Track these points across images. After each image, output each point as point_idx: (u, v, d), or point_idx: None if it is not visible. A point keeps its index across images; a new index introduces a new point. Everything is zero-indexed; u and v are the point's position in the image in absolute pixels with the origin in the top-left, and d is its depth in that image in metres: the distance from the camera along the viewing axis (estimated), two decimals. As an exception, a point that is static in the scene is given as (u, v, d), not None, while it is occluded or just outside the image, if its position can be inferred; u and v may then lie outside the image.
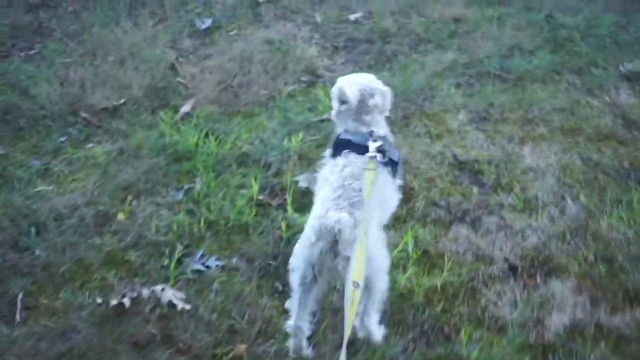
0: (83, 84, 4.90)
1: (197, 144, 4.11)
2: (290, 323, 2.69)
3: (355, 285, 2.24)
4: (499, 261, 3.19)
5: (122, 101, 4.67)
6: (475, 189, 3.67)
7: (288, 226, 3.41)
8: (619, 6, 5.86)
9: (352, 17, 5.93)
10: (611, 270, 3.10)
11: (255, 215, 3.53)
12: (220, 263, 3.26)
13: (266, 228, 3.45)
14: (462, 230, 3.39)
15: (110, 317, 2.96)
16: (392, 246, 3.13)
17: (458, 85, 4.71)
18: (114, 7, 6.13)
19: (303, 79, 4.97)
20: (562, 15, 5.69)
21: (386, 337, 2.78)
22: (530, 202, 3.55)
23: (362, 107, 2.85)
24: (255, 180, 3.73)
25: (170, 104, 4.70)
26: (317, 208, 2.60)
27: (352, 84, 2.89)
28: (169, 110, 4.58)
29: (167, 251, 3.32)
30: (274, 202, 3.63)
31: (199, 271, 3.22)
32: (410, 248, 3.21)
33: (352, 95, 2.83)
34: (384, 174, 2.73)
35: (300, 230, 3.25)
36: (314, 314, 2.71)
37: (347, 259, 2.36)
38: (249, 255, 3.30)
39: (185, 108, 4.58)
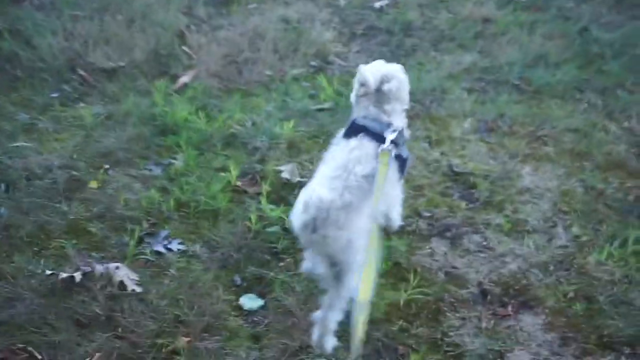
0: (87, 40, 4.85)
1: (186, 119, 4.03)
2: (305, 266, 2.92)
3: (361, 306, 2.22)
4: (471, 284, 3.06)
5: (121, 63, 4.61)
6: (464, 204, 3.53)
7: (260, 217, 3.32)
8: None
9: (377, 4, 5.78)
10: (589, 311, 2.95)
11: (229, 201, 3.45)
12: (182, 247, 3.19)
13: (237, 217, 3.37)
14: (441, 246, 3.27)
15: (59, 290, 2.91)
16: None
17: (471, 91, 4.54)
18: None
19: (312, 63, 4.86)
20: (598, 29, 5.44)
21: (334, 350, 2.68)
22: (519, 225, 3.40)
23: (381, 94, 2.83)
24: (236, 164, 3.64)
25: (170, 72, 4.64)
26: (313, 181, 2.61)
27: (374, 68, 2.89)
28: (167, 79, 4.51)
29: (131, 227, 3.25)
30: (251, 190, 3.55)
31: (159, 253, 3.16)
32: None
33: (372, 79, 2.80)
34: (392, 169, 2.71)
35: (271, 224, 3.21)
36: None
37: (325, 238, 2.42)
38: (213, 244, 3.22)
39: (185, 78, 4.51)
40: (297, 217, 2.48)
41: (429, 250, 3.23)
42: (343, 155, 2.63)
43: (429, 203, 3.53)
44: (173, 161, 3.70)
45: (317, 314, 2.66)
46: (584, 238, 3.34)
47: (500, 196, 3.59)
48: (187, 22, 5.26)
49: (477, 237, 3.33)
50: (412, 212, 3.45)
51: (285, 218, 3.29)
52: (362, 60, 4.74)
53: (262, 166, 3.71)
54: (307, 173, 3.68)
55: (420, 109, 4.32)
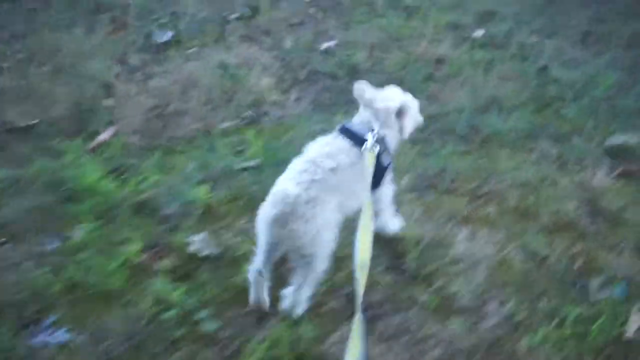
0: (5, 95, 4.60)
1: (96, 183, 3.76)
2: (252, 267, 2.92)
3: (362, 265, 2.43)
4: (385, 379, 2.75)
5: (35, 121, 4.35)
6: (389, 277, 3.23)
7: (157, 301, 3.03)
8: (628, 63, 5.33)
9: (324, 45, 5.52)
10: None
11: (127, 280, 3.16)
12: (66, 338, 2.90)
13: (133, 299, 3.08)
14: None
15: None
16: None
17: (414, 143, 4.25)
18: (75, 7, 5.84)
19: (246, 114, 4.59)
20: (559, 68, 5.19)
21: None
22: (448, 301, 3.11)
23: (380, 112, 3.06)
24: (142, 236, 3.36)
25: (90, 129, 4.37)
26: (283, 175, 2.82)
27: (385, 92, 3.18)
28: (85, 136, 4.25)
29: (12, 316, 2.97)
30: (155, 266, 3.26)
31: (38, 346, 2.86)
32: (282, 348, 2.80)
33: (368, 95, 3.11)
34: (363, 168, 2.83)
35: (171, 306, 2.93)
36: (274, 266, 2.95)
37: (294, 231, 2.64)
38: (101, 332, 2.92)
39: (104, 136, 4.26)
40: (266, 212, 2.71)
41: (342, 336, 2.92)
42: (315, 150, 2.84)
43: (350, 276, 3.23)
44: (73, 233, 3.41)
45: (288, 290, 2.87)
46: (519, 316, 3.05)
47: (430, 267, 3.30)
48: (119, 70, 5.00)
49: (398, 318, 3.04)
50: (330, 289, 3.15)
51: (188, 297, 3.03)
52: (300, 109, 4.52)
53: (171, 237, 3.43)
54: (219, 243, 3.40)
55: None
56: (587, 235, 3.56)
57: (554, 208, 3.74)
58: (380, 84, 4.80)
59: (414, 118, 3.21)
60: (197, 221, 3.56)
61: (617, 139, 4.38)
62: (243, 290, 3.10)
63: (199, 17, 5.96)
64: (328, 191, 2.70)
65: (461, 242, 3.47)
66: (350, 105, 4.51)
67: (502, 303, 3.12)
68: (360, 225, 2.52)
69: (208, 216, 3.61)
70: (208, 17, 5.97)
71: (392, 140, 3.08)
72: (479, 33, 5.82)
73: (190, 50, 5.36)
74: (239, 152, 4.12)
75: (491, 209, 3.72)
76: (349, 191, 2.81)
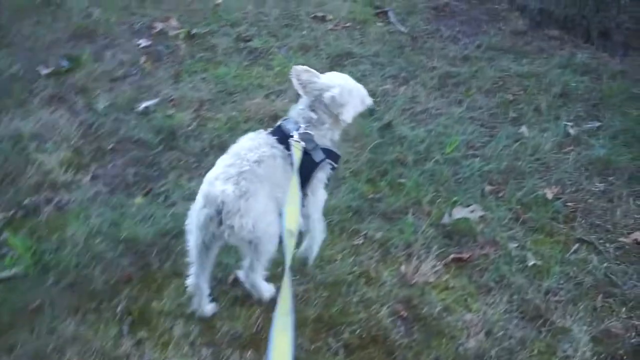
0: None
1: None
2: (190, 281, 3.09)
3: (290, 233, 2.49)
4: None
5: None
6: None
7: None
8: (486, 114, 4.94)
9: (143, 105, 4.97)
10: None
11: None
12: None
13: None
14: None
15: None
16: None
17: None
18: None
19: (26, 202, 4.00)
20: (406, 124, 4.75)
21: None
22: None
23: (314, 101, 3.14)
24: None
25: None
26: (210, 172, 2.88)
27: (327, 75, 3.21)
28: None
29: None
30: None
31: None
32: None
33: (303, 80, 3.15)
34: (286, 164, 2.99)
35: None
36: (211, 274, 3.12)
37: (232, 227, 2.73)
38: None
39: None
40: (198, 212, 2.80)
41: None
42: (239, 145, 2.99)
43: None
44: None
45: (242, 273, 3.07)
46: None
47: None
48: None
49: None
50: None
51: None
52: (94, 191, 3.95)
53: None
54: None
55: (137, 268, 3.50)
56: (396, 353, 3.11)
57: (364, 315, 3.28)
58: (201, 151, 4.32)
59: (358, 102, 3.22)
60: None
61: (457, 214, 3.96)
62: None
63: (9, 73, 5.35)
64: (256, 182, 2.81)
65: (238, 373, 2.96)
66: (158, 180, 4.01)
67: None
68: (288, 199, 2.67)
69: None
70: (19, 73, 5.36)
71: (328, 133, 3.16)
72: (326, 81, 5.34)
73: (-16, 119, 4.74)
74: (2, 257, 3.54)
75: (288, 322, 3.21)
76: (274, 182, 2.92)
